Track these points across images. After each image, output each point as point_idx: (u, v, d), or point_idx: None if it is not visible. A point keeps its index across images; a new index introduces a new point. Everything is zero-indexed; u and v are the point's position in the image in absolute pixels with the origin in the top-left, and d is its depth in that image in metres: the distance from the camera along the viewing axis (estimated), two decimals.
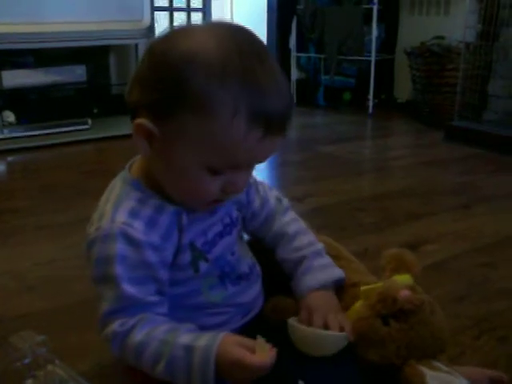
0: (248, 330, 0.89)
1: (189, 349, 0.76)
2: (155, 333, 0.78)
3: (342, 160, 2.79)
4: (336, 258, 1.08)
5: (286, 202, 1.06)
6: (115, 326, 0.78)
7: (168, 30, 0.78)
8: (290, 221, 1.04)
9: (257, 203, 1.00)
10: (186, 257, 0.85)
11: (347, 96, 4.39)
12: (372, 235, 1.80)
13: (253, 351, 0.74)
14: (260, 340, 0.76)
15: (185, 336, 0.78)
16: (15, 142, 2.99)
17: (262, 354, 0.74)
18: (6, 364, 0.97)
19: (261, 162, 0.80)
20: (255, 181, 1.01)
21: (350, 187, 2.32)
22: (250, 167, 0.82)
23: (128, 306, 0.79)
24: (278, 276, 1.03)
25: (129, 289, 0.78)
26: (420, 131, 3.54)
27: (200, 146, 0.74)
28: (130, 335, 0.78)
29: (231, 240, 0.93)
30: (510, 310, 1.34)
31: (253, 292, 0.96)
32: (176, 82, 0.72)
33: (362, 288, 0.97)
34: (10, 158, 2.84)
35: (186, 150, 0.75)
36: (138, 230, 0.79)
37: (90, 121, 3.30)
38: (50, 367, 0.98)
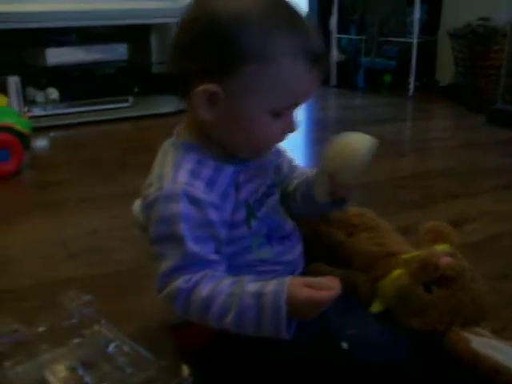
0: None
1: (258, 295, 0.77)
2: (220, 286, 0.79)
3: (382, 140, 2.70)
4: (374, 229, 1.09)
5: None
6: (179, 282, 0.79)
7: None
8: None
9: (285, 168, 1.04)
10: (242, 214, 0.88)
11: (388, 78, 4.33)
12: (413, 212, 1.80)
13: (318, 288, 0.77)
14: (321, 279, 0.79)
15: (251, 285, 0.79)
16: (58, 118, 3.05)
17: (327, 288, 0.77)
18: (55, 323, 1.00)
19: (308, 98, 0.87)
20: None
21: (391, 166, 2.31)
22: (302, 104, 0.88)
23: (192, 264, 0.80)
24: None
25: (193, 247, 0.80)
26: (462, 114, 3.48)
27: (266, 93, 0.80)
28: (195, 290, 0.78)
29: (275, 200, 0.96)
30: None
31: (296, 251, 0.99)
32: (234, 39, 0.77)
33: (403, 256, 0.97)
34: (53, 134, 2.89)
35: (253, 100, 0.81)
36: (199, 189, 0.82)
37: (131, 99, 3.33)
38: (96, 327, 1.01)
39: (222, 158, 0.87)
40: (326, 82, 4.38)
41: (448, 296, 0.90)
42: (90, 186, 2.07)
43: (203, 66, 0.80)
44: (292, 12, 0.82)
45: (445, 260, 0.92)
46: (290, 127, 0.87)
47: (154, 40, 3.72)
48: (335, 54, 4.37)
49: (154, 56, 3.71)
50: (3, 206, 1.92)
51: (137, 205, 0.97)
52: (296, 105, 0.86)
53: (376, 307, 0.95)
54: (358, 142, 0.91)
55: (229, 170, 0.87)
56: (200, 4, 0.83)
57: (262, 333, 0.78)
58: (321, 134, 2.86)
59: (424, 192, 2.01)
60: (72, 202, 1.90)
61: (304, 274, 0.98)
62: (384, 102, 3.93)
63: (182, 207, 0.80)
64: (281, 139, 0.89)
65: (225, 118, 0.83)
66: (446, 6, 4.12)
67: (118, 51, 3.40)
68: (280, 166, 1.02)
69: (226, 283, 0.79)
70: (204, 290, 0.78)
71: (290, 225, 0.99)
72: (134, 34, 3.49)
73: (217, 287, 0.79)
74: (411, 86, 3.96)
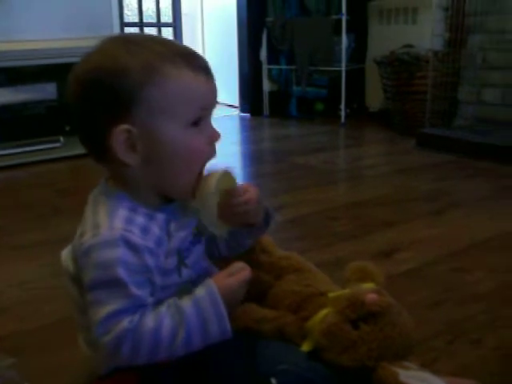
0: None
1: (195, 302, 0.82)
2: (160, 314, 0.81)
3: (316, 170, 2.81)
4: (301, 270, 1.11)
5: None
6: (124, 324, 0.79)
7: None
8: None
9: None
10: (173, 261, 0.89)
11: (320, 106, 4.42)
12: (346, 244, 1.81)
13: (237, 272, 0.88)
14: (233, 265, 0.89)
15: (184, 300, 0.83)
16: None
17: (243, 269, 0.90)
18: None
19: (215, 105, 0.90)
20: None
21: (324, 197, 2.34)
22: (211, 113, 0.90)
23: (132, 307, 0.80)
24: None
25: (134, 290, 0.80)
26: (392, 139, 3.57)
27: (172, 109, 0.83)
28: (141, 325, 0.79)
29: (202, 248, 0.98)
30: (482, 314, 1.36)
31: None
32: (124, 71, 0.81)
33: (330, 295, 1.00)
34: None
35: (164, 121, 0.83)
36: (136, 235, 0.82)
37: (62, 138, 3.28)
38: None
39: (152, 206, 0.88)
40: (259, 112, 4.43)
41: (375, 332, 0.92)
42: (21, 232, 2.01)
43: (105, 114, 0.82)
44: (163, 39, 0.90)
45: (370, 297, 0.94)
46: (213, 136, 0.89)
47: None
48: (266, 84, 4.42)
49: None
50: None
51: (66, 254, 0.95)
52: (206, 115, 0.89)
53: (306, 346, 0.96)
54: (211, 180, 0.91)
55: (160, 218, 0.88)
56: (84, 64, 0.86)
57: (209, 338, 0.82)
58: (257, 167, 2.88)
59: (357, 222, 2.03)
60: (2, 251, 1.85)
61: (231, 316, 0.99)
62: (317, 130, 3.99)
63: (120, 252, 0.80)
64: (210, 152, 0.90)
65: (149, 154, 0.84)
66: (371, 35, 4.24)
67: (48, 90, 3.34)
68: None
69: (163, 309, 0.82)
70: (148, 322, 0.80)
71: (215, 271, 1.00)
72: (64, 72, 3.43)
73: (158, 315, 0.81)
74: (342, 114, 4.04)
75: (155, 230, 0.86)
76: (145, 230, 0.84)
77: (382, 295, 0.96)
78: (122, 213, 0.84)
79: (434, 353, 1.19)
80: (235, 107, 4.79)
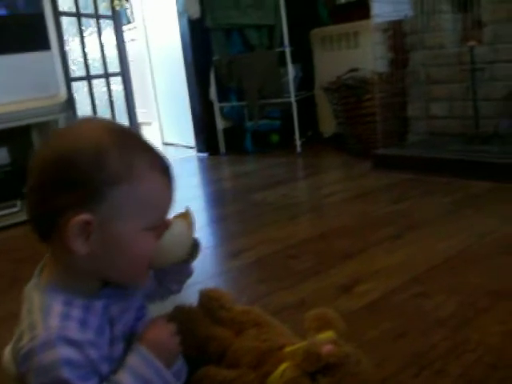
0: None
1: (132, 371, 0.84)
2: None
3: (275, 206, 2.82)
4: (261, 325, 1.11)
5: None
6: None
7: (46, 140, 0.89)
8: None
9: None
10: (120, 348, 0.88)
11: (275, 138, 4.45)
12: (308, 282, 1.80)
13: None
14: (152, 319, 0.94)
15: (120, 373, 0.84)
16: None
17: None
18: None
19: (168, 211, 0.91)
20: None
21: (284, 234, 2.33)
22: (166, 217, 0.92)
23: None
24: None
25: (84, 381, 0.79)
26: (349, 163, 3.61)
27: (137, 212, 0.83)
28: None
29: (147, 317, 0.98)
30: (444, 340, 1.36)
31: (178, 363, 0.99)
32: (96, 165, 0.80)
33: (287, 349, 1.00)
34: None
35: (126, 221, 0.82)
36: (74, 330, 0.80)
37: (18, 203, 3.24)
38: None
39: (89, 292, 0.86)
40: (215, 150, 4.44)
41: (334, 383, 0.91)
42: None
43: (69, 199, 0.80)
44: (136, 136, 0.89)
45: (327, 348, 0.94)
46: (163, 229, 0.91)
47: (35, 139, 3.66)
48: (220, 122, 4.44)
49: None
50: None
51: (7, 353, 0.93)
52: (165, 215, 0.90)
53: None
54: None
55: (99, 306, 0.86)
56: (55, 143, 0.85)
57: None
58: (217, 210, 2.88)
59: (318, 257, 2.02)
60: None
61: (191, 380, 1.01)
62: (274, 162, 4.01)
63: (60, 352, 0.78)
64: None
65: (101, 246, 0.83)
66: (317, 62, 4.30)
67: (3, 155, 3.32)
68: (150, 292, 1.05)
69: None
70: None
71: None
72: (14, 136, 3.41)
73: None
74: (297, 143, 4.07)
75: (94, 320, 0.84)
76: (83, 323, 0.82)
77: (339, 345, 0.96)
78: (56, 308, 0.82)
79: None
80: (191, 147, 4.79)
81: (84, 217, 0.79)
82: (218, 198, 3.29)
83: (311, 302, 1.63)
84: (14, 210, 3.20)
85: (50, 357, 0.78)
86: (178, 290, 1.10)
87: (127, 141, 0.85)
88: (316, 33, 4.26)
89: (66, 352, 0.79)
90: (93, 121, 0.94)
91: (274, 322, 1.16)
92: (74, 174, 0.80)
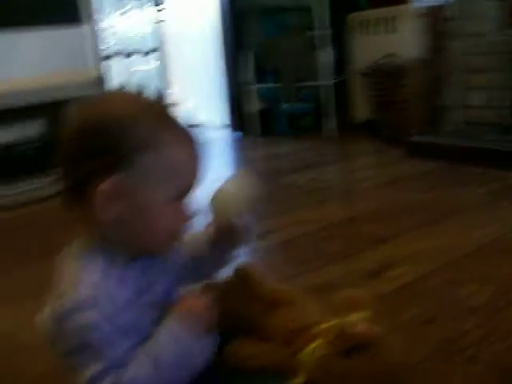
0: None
1: (163, 337, 0.84)
2: (138, 360, 0.82)
3: (305, 189, 2.80)
4: (291, 303, 1.09)
5: None
6: (109, 380, 0.79)
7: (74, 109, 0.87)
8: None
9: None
10: (151, 316, 0.87)
11: (308, 121, 4.42)
12: (337, 265, 1.79)
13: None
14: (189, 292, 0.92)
15: (153, 339, 0.84)
16: None
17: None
18: None
19: (195, 183, 0.90)
20: None
21: (313, 217, 2.32)
22: (193, 190, 0.90)
23: (112, 366, 0.80)
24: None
25: (112, 350, 0.80)
26: (381, 150, 3.57)
27: (162, 181, 0.83)
28: (123, 379, 0.80)
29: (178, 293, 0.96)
30: (476, 328, 1.34)
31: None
32: (124, 132, 0.80)
33: (320, 327, 0.99)
34: None
35: (151, 189, 0.82)
36: (113, 288, 0.82)
37: (49, 176, 3.27)
38: None
39: (125, 260, 0.87)
40: (248, 132, 4.44)
41: (366, 362, 0.90)
42: (13, 275, 1.99)
43: (96, 166, 0.80)
44: (164, 107, 0.88)
45: (360, 328, 0.93)
46: (189, 215, 0.89)
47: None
48: (254, 103, 4.43)
49: None
50: None
51: (45, 314, 0.93)
52: (189, 190, 0.89)
53: (298, 379, 0.95)
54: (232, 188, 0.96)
55: (135, 271, 0.87)
56: (84, 112, 0.85)
57: (191, 362, 0.85)
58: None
59: (348, 241, 2.01)
60: None
61: (223, 352, 0.99)
62: (306, 146, 3.99)
63: (95, 315, 0.79)
64: (183, 228, 0.91)
65: (127, 214, 0.83)
66: (353, 46, 4.25)
67: (34, 129, 3.36)
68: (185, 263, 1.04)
69: (140, 359, 0.82)
70: (128, 375, 0.80)
71: None
72: (46, 110, 3.45)
73: (136, 364, 0.81)
74: (330, 127, 4.05)
75: (132, 282, 0.85)
76: (121, 282, 0.83)
77: (372, 325, 0.95)
78: (97, 268, 0.83)
79: (429, 373, 1.17)
80: (224, 128, 4.79)
81: (110, 184, 0.80)
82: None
83: (340, 284, 1.61)
84: (45, 183, 3.23)
85: (84, 319, 0.79)
86: (211, 277, 1.10)
87: (154, 110, 0.85)
88: (354, 17, 4.20)
89: (101, 315, 0.79)
90: (121, 92, 0.94)
91: (305, 300, 1.15)
92: (101, 140, 0.81)
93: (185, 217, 0.89)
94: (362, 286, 1.59)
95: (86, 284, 0.81)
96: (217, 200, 0.95)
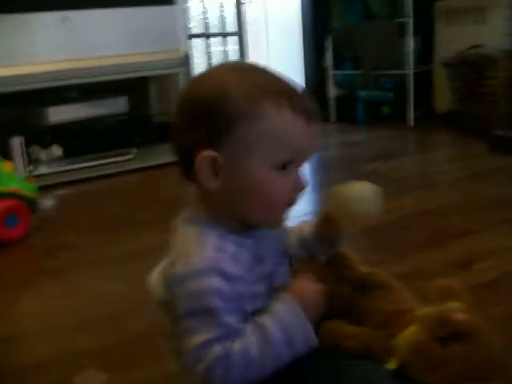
0: None
1: (277, 318, 0.83)
2: (248, 337, 0.82)
3: (385, 178, 2.78)
4: (387, 287, 1.09)
5: None
6: (216, 352, 0.80)
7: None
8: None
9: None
10: (264, 286, 0.89)
11: (386, 110, 4.37)
12: (422, 254, 1.79)
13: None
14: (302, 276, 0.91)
15: (265, 317, 0.84)
16: (63, 175, 3.09)
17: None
18: None
19: (310, 153, 0.89)
20: None
21: (393, 206, 2.29)
22: (305, 159, 0.89)
23: (224, 335, 0.81)
24: None
25: (226, 319, 0.81)
26: (463, 142, 3.49)
27: (262, 148, 0.83)
28: (232, 351, 0.80)
29: (287, 268, 0.98)
30: None
31: None
32: (222, 102, 0.82)
33: (418, 312, 0.98)
34: (59, 192, 2.91)
35: (253, 158, 0.83)
36: (228, 263, 0.83)
37: (134, 151, 3.36)
38: None
39: (239, 232, 0.89)
40: (325, 118, 4.42)
41: (465, 351, 0.89)
42: (97, 247, 2.07)
43: (199, 135, 0.83)
44: (268, 76, 0.89)
45: (460, 315, 0.92)
46: (299, 184, 0.89)
47: (153, 91, 3.78)
48: (332, 90, 4.41)
49: (154, 106, 3.76)
50: (11, 273, 1.93)
51: (155, 278, 0.97)
52: (298, 160, 0.88)
53: (393, 363, 0.95)
54: (365, 191, 0.95)
55: (249, 243, 0.89)
56: (187, 88, 0.90)
57: (296, 349, 0.83)
58: (325, 176, 2.87)
59: (431, 231, 2.00)
60: (80, 266, 1.91)
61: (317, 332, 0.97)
62: (384, 134, 3.95)
63: (213, 281, 0.81)
64: (292, 199, 0.90)
65: (230, 185, 0.85)
66: (438, 36, 4.17)
67: (119, 104, 3.44)
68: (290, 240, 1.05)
69: (249, 332, 0.82)
70: (238, 347, 0.81)
71: None
72: (133, 86, 3.54)
73: (246, 339, 0.82)
74: (410, 117, 3.99)
75: (245, 256, 0.86)
76: (235, 258, 0.85)
77: (471, 314, 0.94)
78: (213, 241, 0.85)
79: None
80: None
81: (209, 153, 0.82)
82: (327, 166, 3.27)
83: (426, 273, 1.61)
84: (130, 156, 3.33)
85: (202, 284, 0.81)
86: (322, 258, 1.11)
87: (256, 79, 0.86)
88: (441, 5, 4.12)
89: (218, 282, 0.81)
90: (226, 64, 0.97)
91: (398, 285, 1.15)
92: (202, 111, 0.83)
93: (294, 187, 0.88)
94: (448, 276, 1.57)
95: (205, 250, 0.84)
96: (344, 196, 0.94)
